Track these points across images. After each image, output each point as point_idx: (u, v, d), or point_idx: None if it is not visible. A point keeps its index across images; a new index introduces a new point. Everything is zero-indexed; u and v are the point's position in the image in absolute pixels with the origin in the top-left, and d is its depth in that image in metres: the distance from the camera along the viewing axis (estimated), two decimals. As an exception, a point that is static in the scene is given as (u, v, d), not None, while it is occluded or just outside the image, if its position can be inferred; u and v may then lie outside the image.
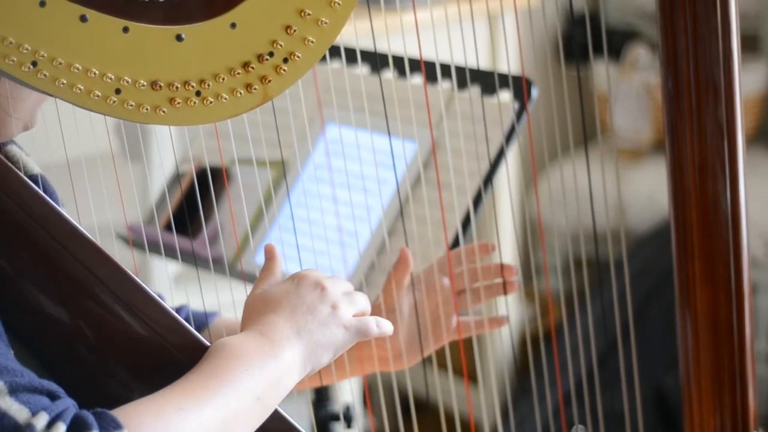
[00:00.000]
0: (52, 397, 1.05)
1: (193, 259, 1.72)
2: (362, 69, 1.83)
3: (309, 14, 1.15)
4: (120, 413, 1.04)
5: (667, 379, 2.92)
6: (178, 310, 1.36)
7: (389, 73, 1.81)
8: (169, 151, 2.26)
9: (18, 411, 1.02)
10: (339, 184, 1.76)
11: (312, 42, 1.16)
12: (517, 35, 1.57)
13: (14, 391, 1.03)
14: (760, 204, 3.12)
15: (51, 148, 1.25)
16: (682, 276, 1.40)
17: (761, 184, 3.15)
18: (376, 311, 1.41)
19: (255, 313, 1.21)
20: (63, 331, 1.16)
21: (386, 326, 1.26)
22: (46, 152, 1.27)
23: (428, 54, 1.52)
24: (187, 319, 1.21)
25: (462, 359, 1.48)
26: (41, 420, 1.01)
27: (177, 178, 1.92)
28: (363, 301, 1.26)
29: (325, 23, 1.16)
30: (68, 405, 1.04)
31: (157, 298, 1.19)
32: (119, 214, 1.31)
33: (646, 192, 3.26)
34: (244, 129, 1.57)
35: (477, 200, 1.70)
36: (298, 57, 1.16)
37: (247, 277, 1.66)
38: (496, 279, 1.48)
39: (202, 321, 1.42)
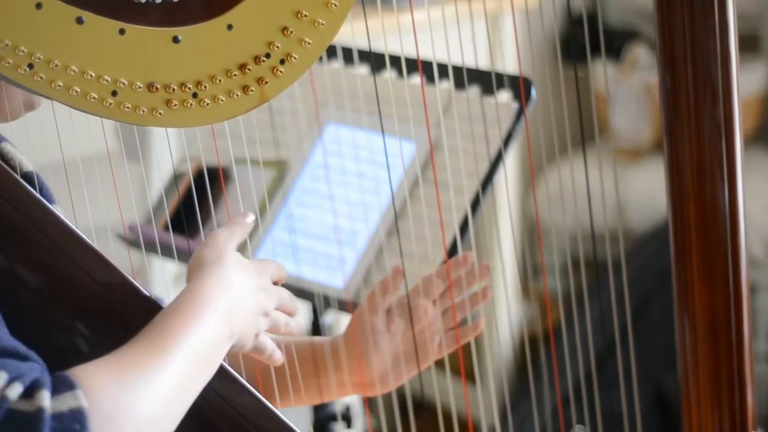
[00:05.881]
0: (22, 359, 1.04)
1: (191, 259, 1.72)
2: (361, 69, 1.83)
3: (306, 15, 1.15)
4: (77, 372, 1.04)
5: (667, 379, 2.92)
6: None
7: (388, 74, 1.81)
8: (167, 151, 2.26)
9: None
10: (338, 183, 1.76)
11: (309, 43, 1.16)
12: (517, 35, 1.58)
13: None
14: (759, 204, 3.12)
15: (48, 148, 1.25)
16: (680, 276, 1.39)
17: (760, 184, 3.15)
18: (356, 323, 1.40)
19: (218, 256, 1.21)
20: (59, 334, 1.16)
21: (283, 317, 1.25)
22: (43, 153, 1.27)
23: (427, 54, 1.52)
24: None
25: (460, 360, 1.48)
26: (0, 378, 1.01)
27: (176, 178, 1.92)
28: (285, 293, 1.26)
29: (322, 24, 1.15)
30: (31, 368, 1.03)
31: (158, 301, 1.20)
32: (118, 215, 1.31)
33: (646, 192, 3.26)
34: (244, 129, 1.57)
35: (476, 200, 1.70)
36: (295, 58, 1.16)
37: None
38: (475, 286, 1.45)
39: None
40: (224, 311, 1.15)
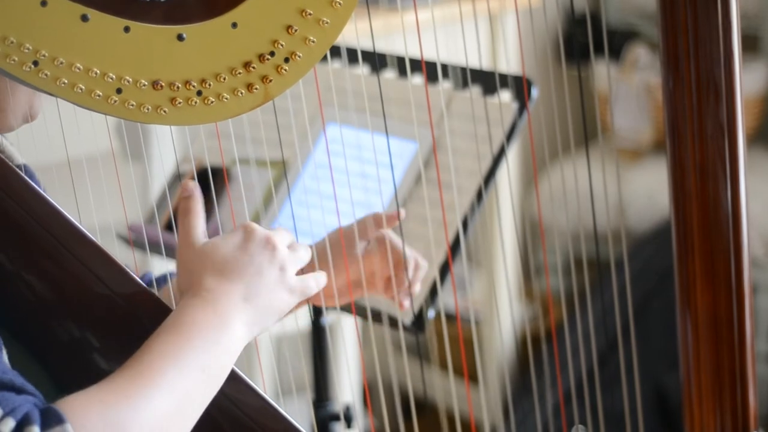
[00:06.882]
0: (18, 391, 1.06)
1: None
2: (363, 69, 1.84)
3: (310, 14, 1.15)
4: (65, 405, 1.04)
5: (668, 378, 2.92)
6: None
7: (390, 73, 1.81)
8: (169, 150, 2.27)
9: None
10: (339, 183, 1.76)
11: (313, 42, 1.16)
12: (518, 35, 1.58)
13: None
14: (760, 204, 3.12)
15: (52, 147, 1.25)
16: (682, 275, 1.40)
17: (761, 184, 3.15)
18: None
19: (199, 271, 1.19)
20: (61, 329, 1.16)
21: (322, 280, 1.25)
22: (47, 152, 1.27)
23: (429, 54, 1.52)
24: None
25: (462, 359, 1.48)
26: None
27: (178, 177, 1.92)
28: (305, 255, 1.24)
29: (326, 23, 1.16)
30: (24, 401, 1.05)
31: (159, 297, 1.20)
32: (120, 214, 1.31)
33: (646, 192, 3.26)
34: (246, 129, 1.57)
35: (477, 200, 1.70)
36: (299, 57, 1.16)
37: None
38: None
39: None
40: (214, 332, 1.14)
